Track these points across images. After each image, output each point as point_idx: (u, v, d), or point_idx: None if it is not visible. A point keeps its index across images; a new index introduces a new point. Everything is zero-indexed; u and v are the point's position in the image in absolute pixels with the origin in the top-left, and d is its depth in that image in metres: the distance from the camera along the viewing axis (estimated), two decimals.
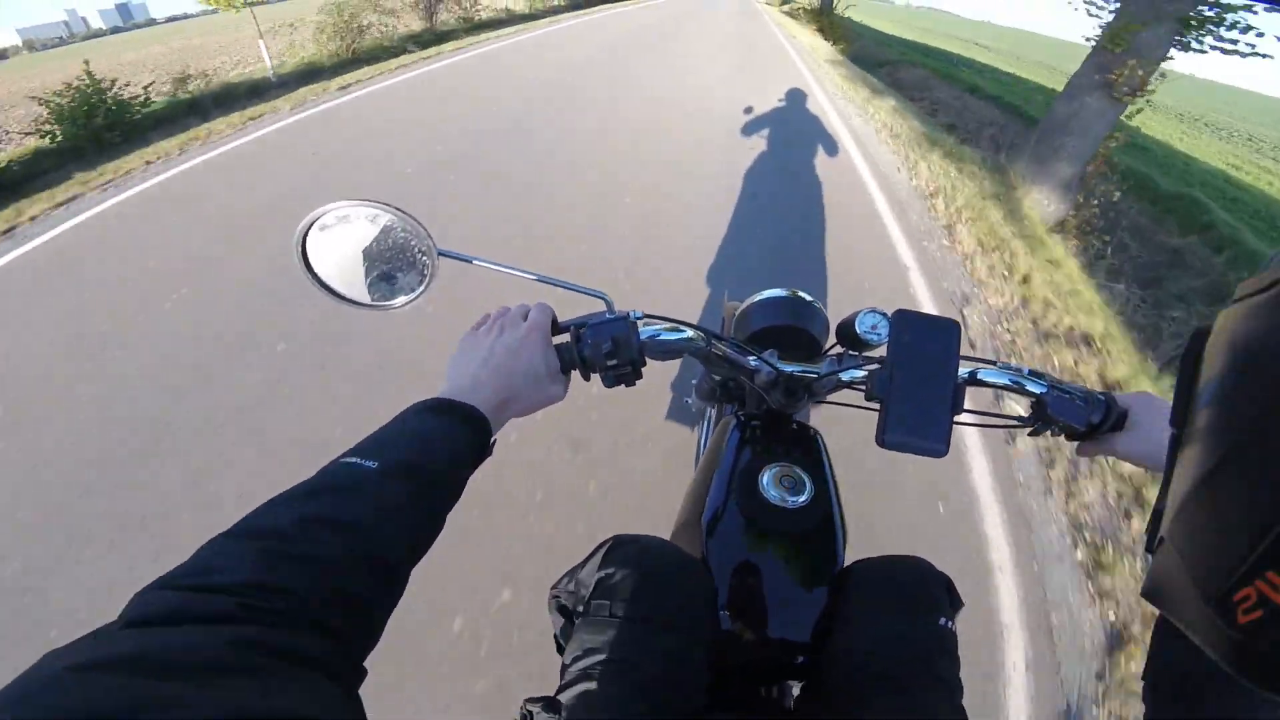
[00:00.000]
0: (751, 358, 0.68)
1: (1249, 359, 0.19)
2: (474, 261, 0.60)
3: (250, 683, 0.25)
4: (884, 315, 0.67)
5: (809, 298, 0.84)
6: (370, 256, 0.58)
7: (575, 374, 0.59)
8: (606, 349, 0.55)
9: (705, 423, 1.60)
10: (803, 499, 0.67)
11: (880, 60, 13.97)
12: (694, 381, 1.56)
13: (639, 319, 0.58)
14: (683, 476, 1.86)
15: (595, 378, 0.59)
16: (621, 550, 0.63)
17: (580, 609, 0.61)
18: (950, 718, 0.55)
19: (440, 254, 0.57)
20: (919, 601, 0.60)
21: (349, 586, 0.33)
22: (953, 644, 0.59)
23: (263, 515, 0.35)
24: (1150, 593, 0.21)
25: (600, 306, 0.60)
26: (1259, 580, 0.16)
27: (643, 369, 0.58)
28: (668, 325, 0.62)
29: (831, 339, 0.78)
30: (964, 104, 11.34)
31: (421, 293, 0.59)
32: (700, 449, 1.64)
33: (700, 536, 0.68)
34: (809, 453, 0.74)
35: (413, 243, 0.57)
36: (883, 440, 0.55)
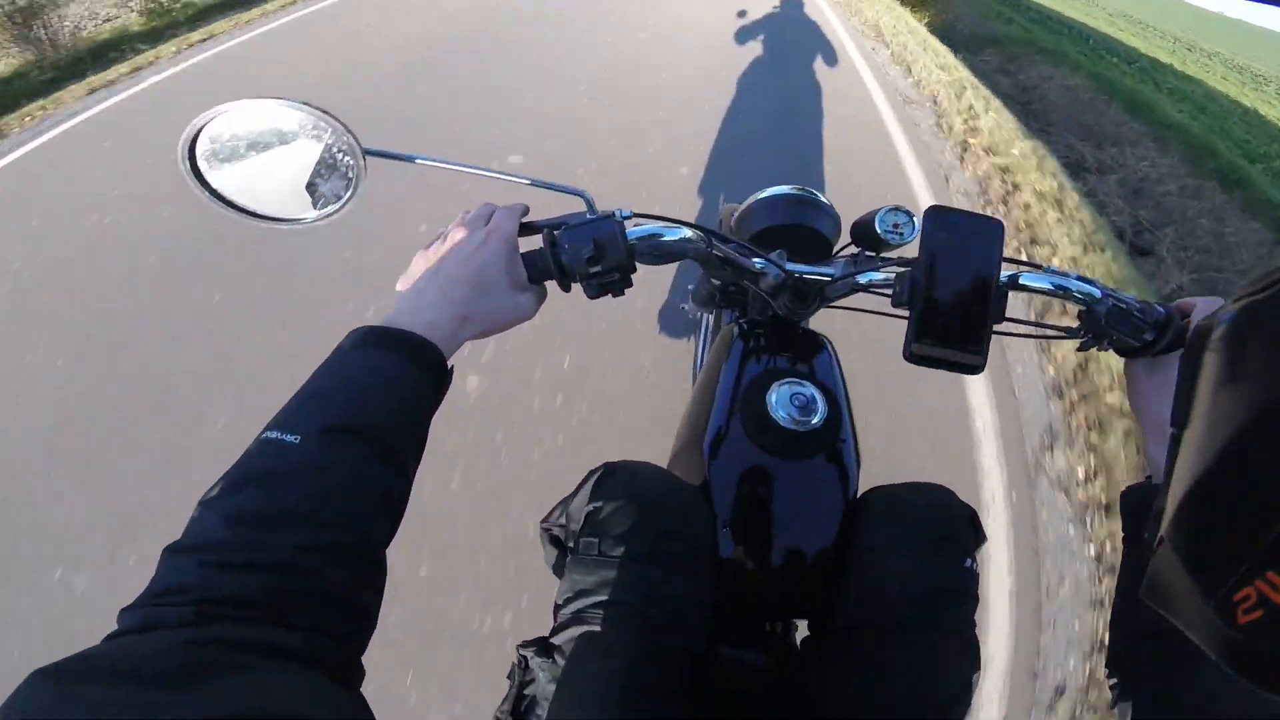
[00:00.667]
0: (757, 259, 0.61)
1: (1249, 358, 0.19)
2: (415, 160, 0.52)
3: (237, 681, 0.24)
4: (908, 213, 0.60)
5: (818, 195, 0.76)
6: (280, 163, 0.49)
7: (554, 287, 0.52)
8: (588, 253, 0.48)
9: (703, 331, 1.51)
10: (815, 420, 0.61)
11: (989, 36, 7.53)
12: (690, 287, 1.46)
13: (626, 218, 0.51)
14: (679, 390, 1.82)
15: (577, 288, 0.52)
16: (613, 480, 0.58)
17: (571, 544, 0.56)
18: (966, 670, 0.51)
19: (367, 154, 0.49)
20: (940, 538, 0.55)
21: (310, 584, 0.30)
22: (974, 585, 0.54)
23: (195, 522, 0.31)
24: (1150, 592, 0.21)
25: (580, 206, 0.53)
26: (1259, 580, 0.16)
27: (632, 275, 0.51)
28: (661, 224, 0.55)
29: (844, 239, 0.71)
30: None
31: (348, 201, 0.51)
32: (698, 360, 1.57)
33: (702, 461, 0.63)
34: (820, 365, 0.68)
35: (332, 144, 0.49)
36: (911, 352, 0.50)
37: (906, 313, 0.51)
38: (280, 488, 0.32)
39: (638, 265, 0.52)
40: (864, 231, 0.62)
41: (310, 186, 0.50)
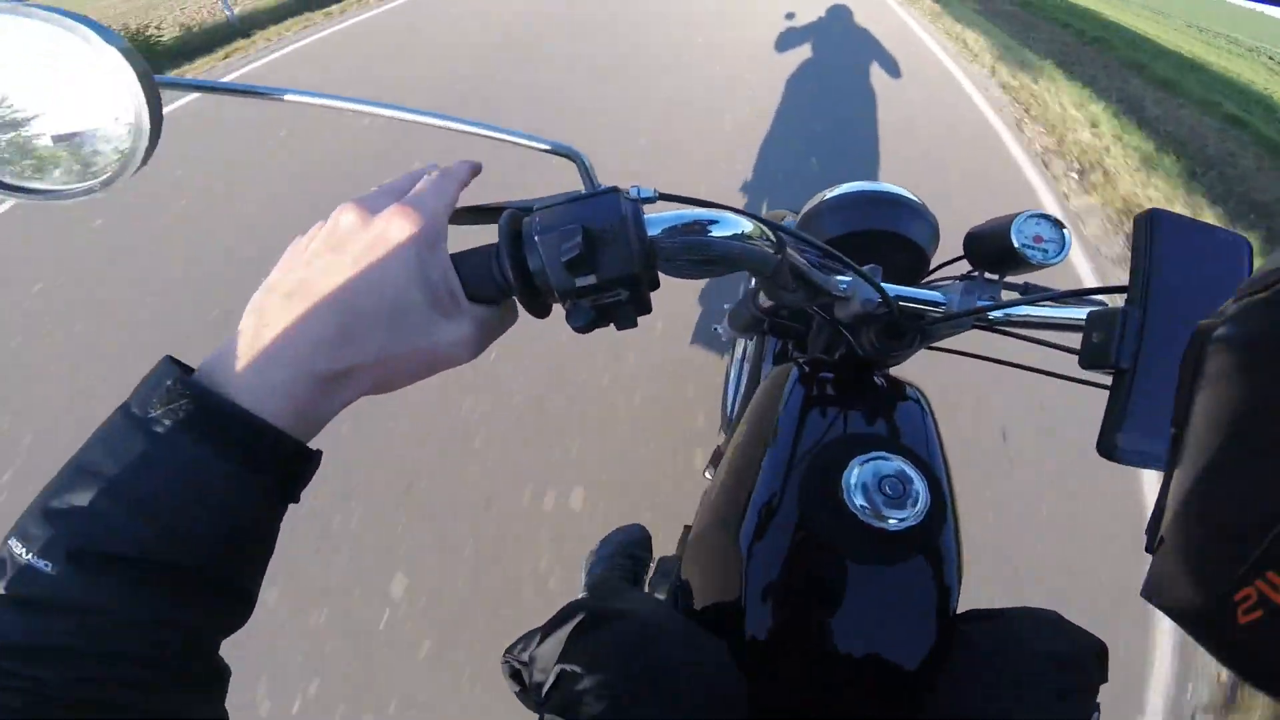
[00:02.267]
0: (844, 276, 0.46)
1: (1249, 358, 0.19)
2: (267, 95, 0.36)
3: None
4: (1056, 222, 0.46)
5: (907, 193, 0.59)
6: (20, 105, 0.31)
7: (520, 307, 0.34)
8: (575, 252, 0.29)
9: (737, 359, 1.26)
10: (912, 513, 0.42)
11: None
12: (727, 306, 1.18)
13: (646, 199, 0.33)
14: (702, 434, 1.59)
15: (559, 312, 0.34)
16: (595, 637, 0.40)
17: (538, 699, 0.41)
18: None
19: (162, 85, 0.31)
20: (1065, 688, 0.41)
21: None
22: None
23: None
24: (1150, 593, 0.22)
25: (570, 183, 0.37)
26: (1259, 580, 0.16)
27: (649, 293, 0.33)
28: (702, 210, 0.35)
29: (940, 254, 0.56)
30: None
31: (135, 160, 0.31)
32: (731, 394, 1.28)
33: (738, 559, 0.45)
34: (913, 430, 0.50)
35: (102, 69, 0.29)
36: (1117, 445, 0.32)
37: (1078, 370, 0.36)
38: (40, 622, 0.22)
39: (660, 277, 0.34)
40: (988, 244, 0.47)
41: (68, 141, 0.32)
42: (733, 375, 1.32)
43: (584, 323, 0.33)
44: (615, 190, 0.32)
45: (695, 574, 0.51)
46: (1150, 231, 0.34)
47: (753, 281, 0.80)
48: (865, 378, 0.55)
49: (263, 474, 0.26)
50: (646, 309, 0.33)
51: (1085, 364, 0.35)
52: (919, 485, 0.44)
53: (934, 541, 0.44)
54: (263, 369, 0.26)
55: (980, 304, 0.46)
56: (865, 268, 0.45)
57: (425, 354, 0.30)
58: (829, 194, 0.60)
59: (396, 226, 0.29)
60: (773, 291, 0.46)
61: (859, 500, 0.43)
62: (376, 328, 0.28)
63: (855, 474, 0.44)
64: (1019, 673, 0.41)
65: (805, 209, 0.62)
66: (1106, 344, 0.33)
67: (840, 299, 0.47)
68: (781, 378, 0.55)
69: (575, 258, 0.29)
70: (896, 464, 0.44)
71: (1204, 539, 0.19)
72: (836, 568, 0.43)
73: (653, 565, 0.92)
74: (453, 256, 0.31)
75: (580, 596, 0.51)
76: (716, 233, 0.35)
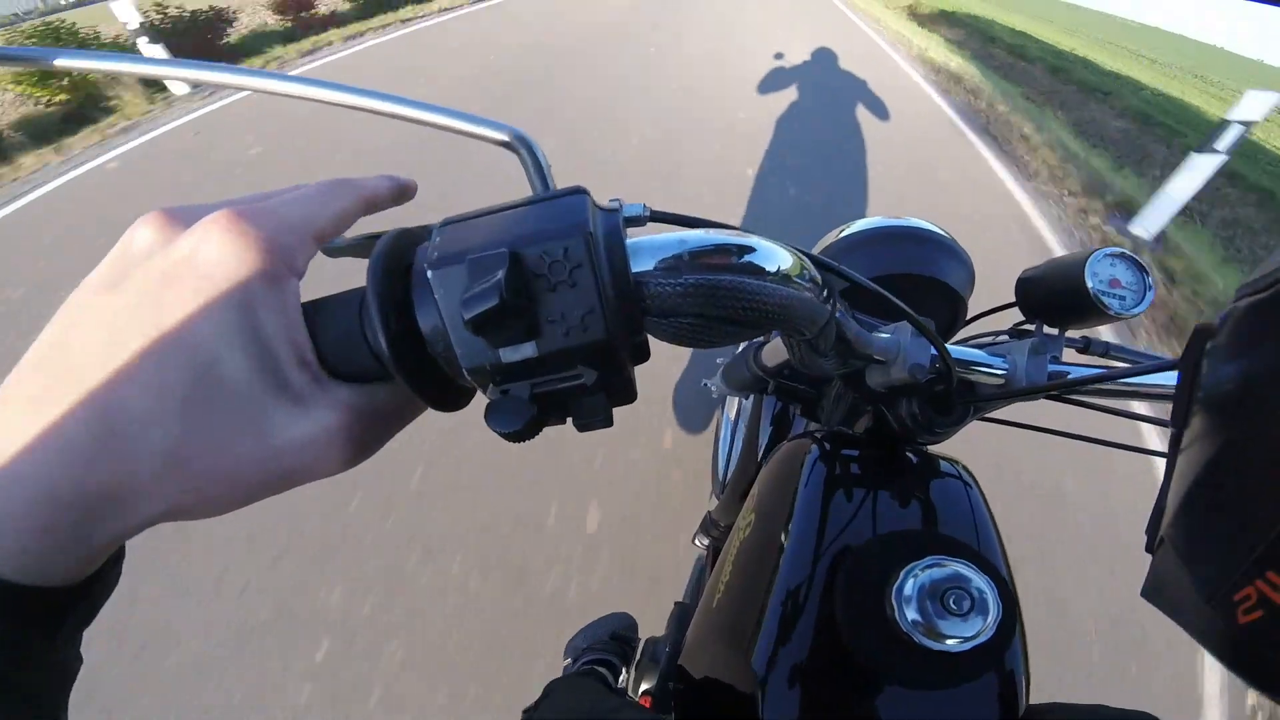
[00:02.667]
0: (884, 333, 0.36)
1: (1250, 358, 0.19)
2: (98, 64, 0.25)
3: None
4: (1136, 262, 0.38)
5: (937, 228, 0.49)
6: None
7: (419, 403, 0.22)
8: (486, 302, 0.17)
9: (729, 420, 1.16)
10: (979, 630, 0.33)
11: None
12: (720, 360, 1.07)
13: (632, 216, 0.22)
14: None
15: (478, 402, 0.23)
16: None
17: None
18: None
19: None
20: None
21: None
22: None
23: None
24: (1150, 593, 0.22)
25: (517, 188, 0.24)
26: (1259, 580, 0.16)
27: (632, 368, 0.22)
28: (721, 235, 0.22)
29: (974, 300, 0.47)
30: None
31: None
32: (724, 457, 1.15)
33: (750, 680, 0.37)
34: (962, 522, 0.42)
35: None
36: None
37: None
38: None
39: (650, 342, 0.22)
40: (1052, 290, 0.39)
41: None
42: (724, 436, 1.18)
43: (519, 426, 0.19)
44: (579, 192, 0.21)
45: (694, 692, 0.43)
46: None
47: None
48: (898, 455, 0.46)
49: None
50: (628, 395, 0.22)
51: (1172, 447, 0.27)
52: (986, 591, 0.34)
53: (1002, 656, 0.35)
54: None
55: (1059, 374, 0.37)
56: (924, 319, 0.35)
57: (255, 462, 0.19)
58: (845, 232, 0.48)
59: (217, 247, 0.18)
60: (808, 359, 0.34)
61: (912, 615, 0.34)
62: (163, 419, 0.17)
63: (909, 585, 0.35)
64: None
65: (820, 247, 0.51)
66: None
67: (878, 363, 0.36)
68: (795, 456, 0.46)
69: (490, 311, 0.17)
70: (955, 568, 0.35)
71: (1204, 539, 0.19)
72: (884, 701, 0.35)
73: (640, 647, 0.82)
74: (309, 306, 0.20)
75: (557, 678, 0.46)
76: (749, 270, 0.22)
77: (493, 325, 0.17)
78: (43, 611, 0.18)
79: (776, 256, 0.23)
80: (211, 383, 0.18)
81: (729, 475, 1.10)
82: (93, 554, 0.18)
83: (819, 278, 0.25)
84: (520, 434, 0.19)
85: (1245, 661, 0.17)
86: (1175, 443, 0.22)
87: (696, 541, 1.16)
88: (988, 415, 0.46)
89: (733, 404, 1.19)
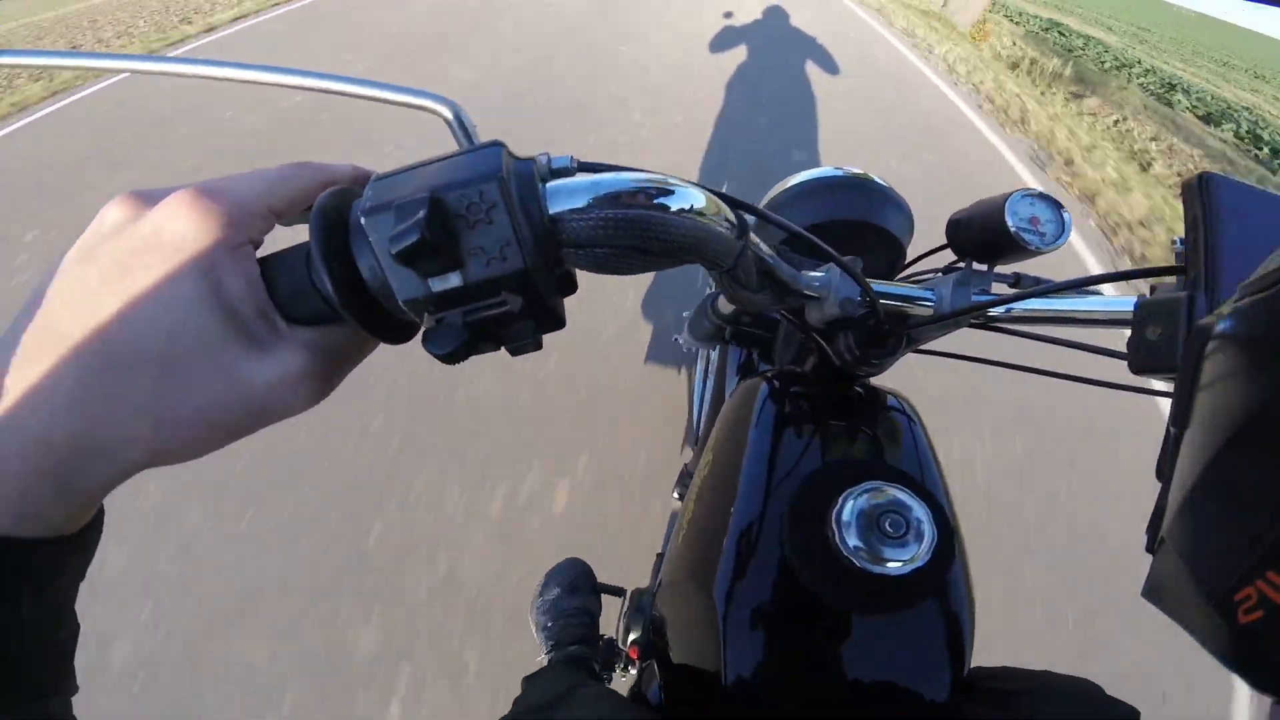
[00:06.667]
0: (816, 272, 0.39)
1: (1250, 357, 0.19)
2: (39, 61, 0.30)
3: None
4: (1053, 202, 0.40)
5: (876, 178, 0.52)
6: None
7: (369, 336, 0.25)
8: (410, 237, 0.20)
9: (700, 373, 1.19)
10: (915, 554, 0.35)
11: None
12: (685, 314, 1.09)
13: (557, 169, 0.26)
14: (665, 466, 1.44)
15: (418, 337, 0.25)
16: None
17: None
18: None
19: None
20: None
21: None
22: None
23: None
24: (1150, 593, 0.22)
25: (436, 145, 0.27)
26: (1259, 580, 0.16)
27: (559, 301, 0.26)
28: (633, 177, 0.25)
29: (912, 243, 0.50)
30: None
31: None
32: (696, 409, 1.18)
33: (713, 613, 0.39)
34: (905, 449, 0.45)
35: None
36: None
37: (1116, 373, 0.31)
38: None
39: (576, 274, 0.27)
40: (976, 230, 0.41)
41: None
42: (697, 388, 1.22)
43: (452, 348, 0.22)
44: (496, 144, 0.23)
45: (667, 630, 0.44)
46: (1204, 201, 0.28)
47: (711, 284, 0.72)
48: (843, 390, 0.49)
49: None
50: (555, 322, 0.24)
51: (1139, 367, 0.28)
52: (922, 517, 0.37)
53: (942, 583, 0.37)
54: None
55: (980, 300, 0.39)
56: (847, 258, 0.37)
57: (228, 405, 0.21)
58: (790, 182, 0.51)
59: (180, 221, 0.20)
60: (734, 293, 0.36)
61: (853, 541, 0.36)
62: (140, 371, 0.19)
63: (846, 510, 0.37)
64: None
65: (767, 198, 0.53)
66: (1169, 341, 0.26)
67: (812, 299, 0.40)
68: (748, 395, 0.49)
69: (414, 245, 0.19)
70: (893, 493, 0.37)
71: (1204, 539, 0.19)
72: (829, 624, 0.37)
73: (625, 600, 0.84)
74: (263, 261, 0.23)
75: (537, 670, 0.48)
76: (657, 207, 0.24)
77: (420, 257, 0.20)
78: (37, 568, 0.19)
79: (689, 196, 0.25)
80: (182, 337, 0.20)
81: (702, 427, 1.13)
82: (82, 502, 0.20)
83: (732, 216, 0.28)
84: (453, 355, 0.22)
85: (1246, 662, 0.17)
86: (1175, 443, 0.22)
87: (675, 496, 1.17)
88: (924, 349, 0.48)
89: (705, 358, 1.21)
